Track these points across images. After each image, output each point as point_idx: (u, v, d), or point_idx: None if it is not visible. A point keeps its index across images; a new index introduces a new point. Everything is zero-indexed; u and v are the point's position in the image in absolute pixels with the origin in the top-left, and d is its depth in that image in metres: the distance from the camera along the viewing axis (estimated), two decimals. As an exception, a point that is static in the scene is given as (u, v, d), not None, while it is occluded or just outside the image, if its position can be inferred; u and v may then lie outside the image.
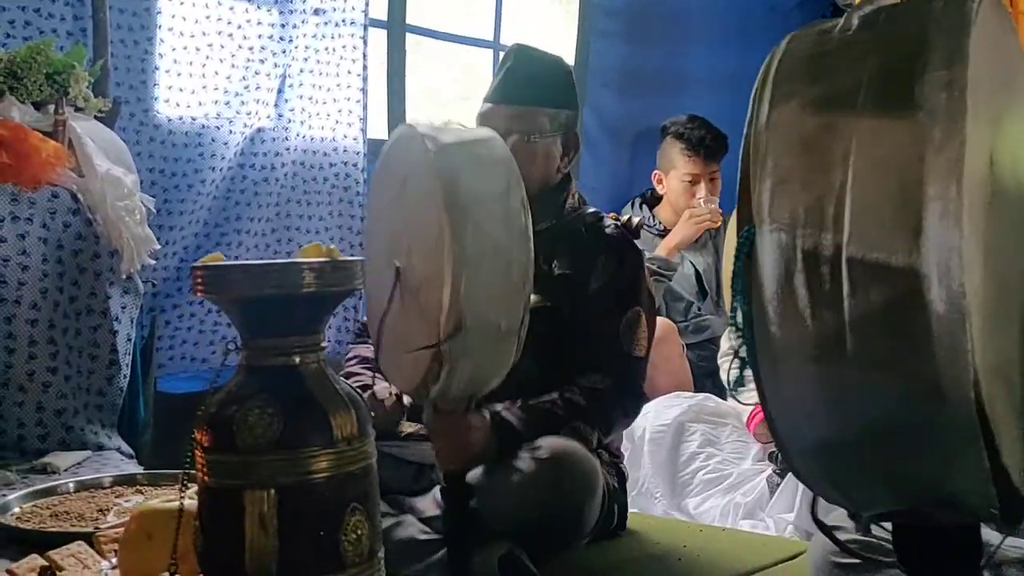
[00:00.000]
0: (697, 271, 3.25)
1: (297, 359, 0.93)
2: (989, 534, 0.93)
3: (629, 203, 3.42)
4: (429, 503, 1.76)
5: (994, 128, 0.79)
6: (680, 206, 3.26)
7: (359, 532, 0.91)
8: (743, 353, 0.84)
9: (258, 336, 0.92)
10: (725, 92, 3.92)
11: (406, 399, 1.78)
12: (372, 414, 1.77)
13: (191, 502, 0.99)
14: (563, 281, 1.84)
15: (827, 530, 0.98)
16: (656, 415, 2.72)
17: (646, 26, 3.81)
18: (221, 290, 0.91)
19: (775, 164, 0.81)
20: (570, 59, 3.72)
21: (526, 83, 1.88)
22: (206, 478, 0.91)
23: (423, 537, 1.69)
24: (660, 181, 3.34)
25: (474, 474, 1.66)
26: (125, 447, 2.01)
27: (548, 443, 1.72)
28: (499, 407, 1.71)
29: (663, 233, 3.25)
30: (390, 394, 1.81)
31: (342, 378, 1.94)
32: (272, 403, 0.90)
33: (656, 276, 3.12)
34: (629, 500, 2.59)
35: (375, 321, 1.59)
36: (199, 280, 0.91)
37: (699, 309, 3.22)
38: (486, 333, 1.39)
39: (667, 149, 3.31)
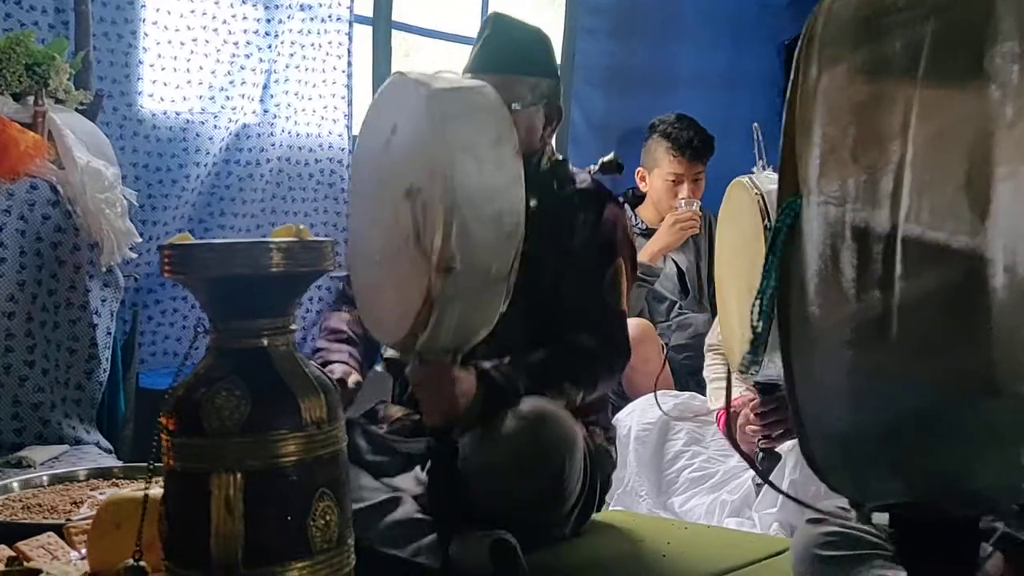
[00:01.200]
0: (680, 269, 3.24)
1: (266, 341, 0.91)
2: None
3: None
4: (410, 481, 1.75)
5: None
6: (662, 205, 3.25)
7: (328, 518, 0.90)
8: (760, 330, 0.80)
9: (226, 318, 0.91)
10: (714, 91, 3.93)
11: (351, 381, 1.74)
12: None
13: (160, 491, 0.97)
14: (543, 240, 1.77)
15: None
16: (642, 413, 2.71)
17: (633, 24, 3.80)
18: (189, 270, 0.90)
19: (824, 132, 0.76)
20: (557, 56, 3.72)
21: (505, 51, 1.85)
22: (172, 462, 0.90)
23: (418, 516, 1.69)
24: (643, 179, 3.33)
25: (463, 439, 1.65)
26: (104, 442, 1.99)
27: (529, 403, 1.72)
28: (486, 364, 1.70)
29: (645, 232, 3.24)
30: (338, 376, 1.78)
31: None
32: (240, 386, 0.88)
33: (639, 282, 3.11)
34: (614, 499, 2.59)
35: (362, 280, 1.59)
36: (167, 259, 0.89)
37: (681, 308, 3.21)
38: (476, 276, 1.38)
39: (652, 147, 3.30)
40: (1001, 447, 0.71)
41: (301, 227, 0.92)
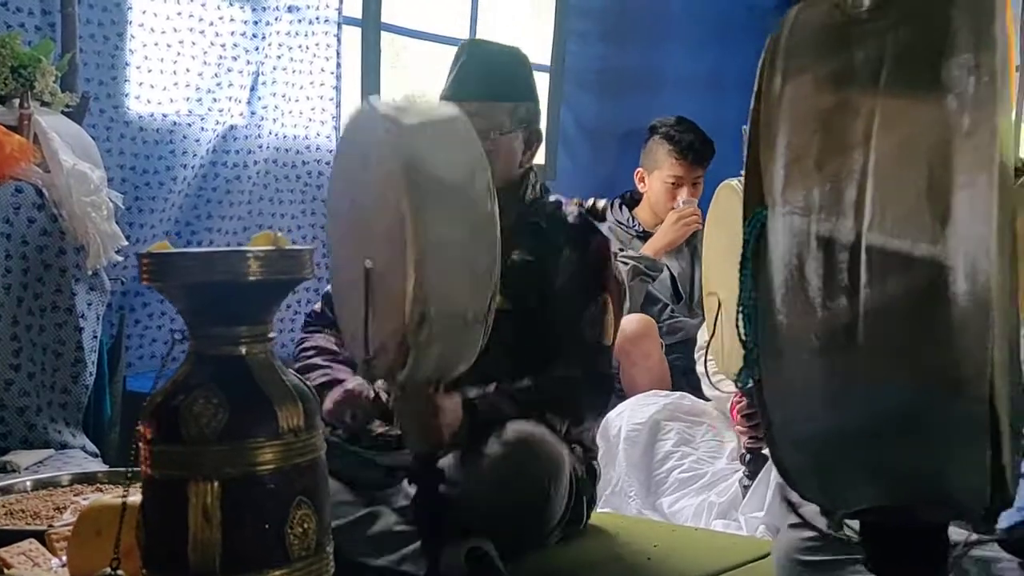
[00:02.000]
0: (672, 275, 3.25)
1: (244, 349, 0.91)
2: (954, 534, 0.92)
3: (608, 204, 3.41)
4: (400, 494, 1.75)
5: (1001, 112, 0.78)
6: (660, 207, 3.25)
7: (306, 525, 0.90)
8: (744, 335, 0.81)
9: (204, 325, 0.91)
10: (703, 93, 3.94)
11: (384, 396, 1.76)
12: (352, 415, 1.78)
13: (139, 497, 0.97)
14: (528, 274, 1.81)
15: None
16: (632, 413, 2.72)
17: (623, 26, 3.81)
18: (167, 278, 0.90)
19: (788, 142, 0.77)
20: (546, 59, 3.72)
21: (481, 78, 1.83)
22: (150, 470, 0.90)
23: (398, 528, 1.69)
24: (642, 179, 3.33)
25: (444, 461, 1.65)
26: (90, 446, 1.99)
27: (515, 427, 1.72)
28: (471, 392, 1.71)
29: (642, 234, 3.25)
30: (367, 391, 1.79)
31: (294, 371, 1.94)
32: (217, 393, 0.88)
33: (642, 276, 3.11)
34: (603, 499, 2.59)
35: (343, 306, 1.57)
36: (145, 267, 0.89)
37: (673, 312, 3.22)
38: (452, 322, 1.36)
39: (654, 149, 3.30)
40: (967, 448, 0.72)
41: (279, 235, 0.93)
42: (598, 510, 2.49)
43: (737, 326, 0.82)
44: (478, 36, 3.44)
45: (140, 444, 0.90)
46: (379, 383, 1.77)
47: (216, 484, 0.87)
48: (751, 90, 3.01)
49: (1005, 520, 1.22)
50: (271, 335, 0.94)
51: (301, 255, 0.93)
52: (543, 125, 3.85)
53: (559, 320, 1.84)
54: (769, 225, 0.77)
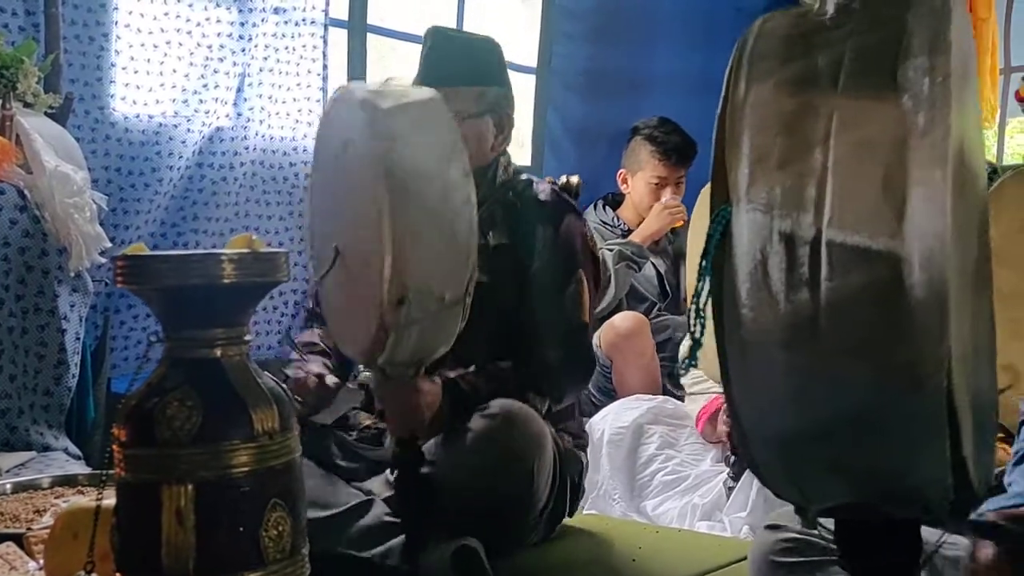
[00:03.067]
0: (659, 272, 3.27)
1: (219, 352, 0.91)
2: (927, 533, 0.93)
3: (592, 205, 3.42)
4: (380, 485, 1.75)
5: (959, 114, 0.79)
6: (643, 208, 3.27)
7: (280, 528, 0.90)
8: (698, 335, 0.83)
9: (179, 328, 0.91)
10: (690, 94, 3.93)
11: (330, 380, 1.76)
12: (298, 401, 1.77)
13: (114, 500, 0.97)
14: (502, 255, 1.82)
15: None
16: (615, 417, 2.73)
17: (610, 27, 3.81)
18: (142, 280, 0.90)
19: (752, 143, 0.79)
20: (533, 60, 3.73)
21: (447, 63, 1.83)
22: (124, 473, 0.90)
23: (387, 519, 1.69)
24: (624, 181, 3.34)
25: (429, 444, 1.65)
26: (72, 448, 1.98)
27: (498, 403, 1.72)
28: (451, 374, 1.71)
29: (626, 233, 3.26)
30: (312, 373, 1.78)
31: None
32: (192, 396, 0.88)
33: (628, 261, 3.13)
34: (589, 502, 2.60)
35: (327, 295, 1.58)
36: (120, 270, 0.89)
37: (660, 310, 3.24)
38: (430, 304, 1.38)
39: (636, 149, 3.31)
40: (929, 441, 0.73)
41: (255, 238, 0.93)
42: (583, 512, 2.51)
43: (688, 317, 0.83)
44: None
45: (115, 447, 0.90)
46: (349, 384, 1.77)
47: (190, 487, 0.87)
48: None
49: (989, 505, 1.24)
50: (247, 337, 0.94)
51: (276, 258, 0.93)
52: (529, 125, 3.87)
53: (537, 299, 1.84)
54: (733, 221, 0.78)
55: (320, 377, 1.76)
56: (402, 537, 1.62)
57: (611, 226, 3.30)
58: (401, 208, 1.32)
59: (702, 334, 0.81)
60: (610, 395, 3.13)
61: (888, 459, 0.76)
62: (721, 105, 0.80)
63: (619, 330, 3.03)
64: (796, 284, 0.75)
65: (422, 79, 1.83)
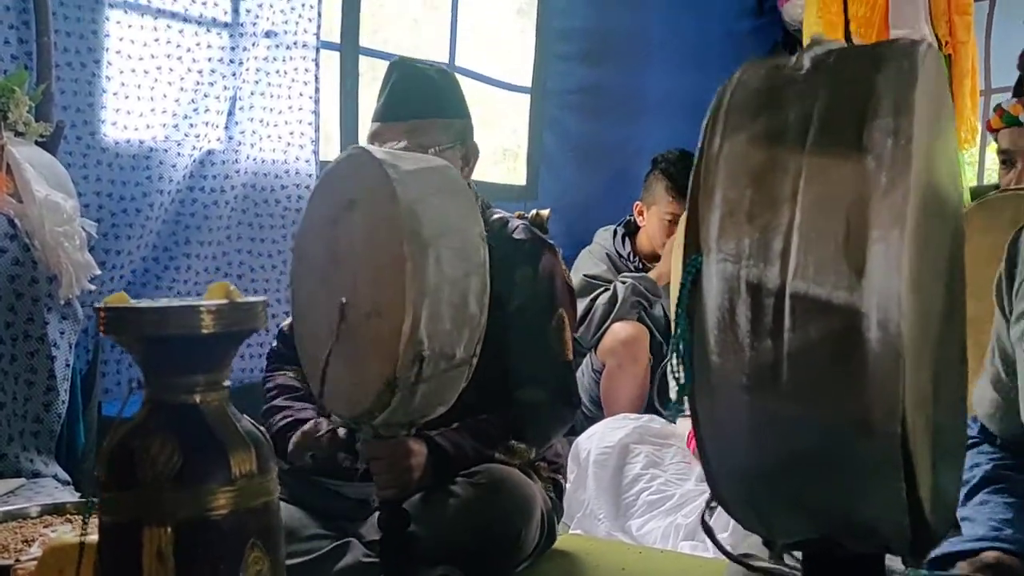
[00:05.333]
0: (666, 315, 3.27)
1: (198, 398, 0.94)
2: (892, 563, 0.96)
3: (611, 232, 3.42)
4: (371, 528, 1.77)
5: (926, 166, 0.82)
6: (657, 241, 3.30)
7: (259, 567, 0.93)
8: (680, 377, 0.85)
9: (160, 375, 0.94)
10: (682, 114, 3.97)
11: (341, 432, 1.78)
12: (311, 453, 1.79)
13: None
14: None
15: (713, 536, 1.00)
16: (601, 437, 2.76)
17: (604, 49, 3.87)
18: (123, 331, 0.93)
19: (723, 196, 0.82)
20: (528, 81, 3.76)
21: (415, 96, 1.83)
22: (105, 514, 0.93)
23: (366, 560, 1.71)
24: (640, 213, 3.37)
25: (412, 501, 1.67)
26: (62, 474, 2.00)
27: (486, 469, 1.74)
28: (433, 432, 1.72)
29: (640, 269, 3.30)
30: (323, 430, 1.80)
31: (267, 409, 1.94)
32: (172, 440, 0.91)
33: (640, 296, 3.15)
34: (575, 521, 2.62)
35: (310, 346, 1.59)
36: (103, 320, 0.92)
37: (666, 351, 3.26)
38: (441, 362, 1.40)
39: (653, 184, 3.34)
40: (882, 483, 0.76)
41: (232, 288, 0.96)
42: (570, 532, 2.54)
43: (671, 362, 0.86)
44: (457, 59, 3.49)
45: (98, 488, 0.93)
46: (334, 417, 1.79)
47: (170, 529, 0.89)
48: None
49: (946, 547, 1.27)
50: (225, 383, 0.97)
51: (254, 307, 0.96)
52: (525, 145, 3.90)
53: (519, 340, 1.84)
54: (704, 270, 0.81)
55: (334, 432, 1.76)
56: None
57: (626, 259, 3.32)
58: (422, 268, 1.34)
59: (687, 379, 0.84)
60: (601, 405, 3.16)
61: (843, 499, 0.79)
62: (697, 156, 0.83)
63: (618, 335, 3.07)
64: (761, 332, 0.77)
65: (391, 112, 1.83)
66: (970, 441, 1.42)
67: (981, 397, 1.39)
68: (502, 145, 3.92)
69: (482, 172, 3.66)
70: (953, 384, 0.97)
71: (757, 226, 0.79)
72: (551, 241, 2.01)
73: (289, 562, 1.63)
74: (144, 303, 0.95)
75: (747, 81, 0.86)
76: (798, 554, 0.98)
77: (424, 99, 1.84)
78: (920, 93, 0.78)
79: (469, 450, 1.76)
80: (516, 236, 1.91)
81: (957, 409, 0.99)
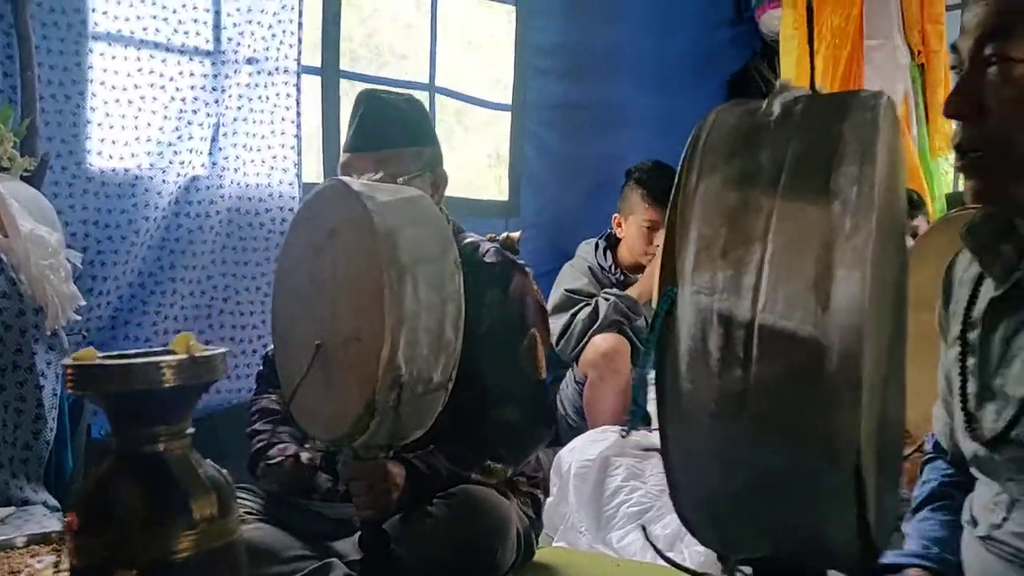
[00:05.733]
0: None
1: (162, 447, 1.00)
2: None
3: (593, 245, 3.48)
4: (352, 548, 1.83)
5: (883, 208, 0.88)
6: (636, 251, 3.34)
7: (222, 605, 0.99)
8: (642, 402, 0.91)
9: (126, 426, 0.99)
10: (660, 127, 4.04)
11: (304, 456, 1.82)
12: (274, 482, 1.83)
13: None
14: None
15: (660, 552, 1.06)
16: (582, 450, 2.81)
17: (582, 64, 3.92)
18: (89, 387, 0.98)
19: (699, 232, 0.86)
20: (508, 98, 3.82)
21: (384, 126, 1.87)
22: (75, 559, 0.98)
23: None
24: (619, 224, 3.42)
25: (391, 521, 1.72)
26: (51, 500, 2.05)
27: (462, 490, 1.79)
28: (410, 455, 1.78)
29: (621, 282, 3.34)
30: (288, 455, 1.85)
31: (248, 432, 1.98)
32: (138, 488, 0.97)
33: (621, 313, 3.19)
34: (558, 534, 2.68)
35: (291, 373, 1.64)
36: (70, 377, 0.98)
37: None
38: (419, 386, 1.45)
39: (628, 194, 3.39)
40: (838, 506, 0.82)
41: (193, 341, 1.01)
42: (553, 544, 2.59)
43: (632, 386, 0.91)
44: (437, 79, 3.54)
45: (67, 535, 0.98)
46: (317, 442, 1.84)
47: (137, 571, 0.95)
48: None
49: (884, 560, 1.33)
50: (188, 431, 1.03)
51: (213, 360, 1.01)
52: (506, 161, 3.95)
53: (493, 362, 1.88)
54: (679, 301, 0.86)
55: (296, 457, 1.81)
56: None
57: (607, 271, 3.37)
58: (400, 296, 1.39)
59: (645, 402, 0.89)
60: (585, 416, 3.21)
61: (801, 523, 0.84)
62: (674, 192, 0.88)
63: (599, 348, 3.12)
64: (730, 361, 0.82)
65: (361, 143, 1.88)
66: (926, 456, 1.48)
67: (935, 416, 1.44)
68: (484, 162, 3.97)
69: (465, 188, 3.73)
70: (896, 410, 1.03)
71: (730, 262, 0.84)
72: (522, 262, 2.06)
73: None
74: (111, 358, 1.01)
75: (722, 123, 0.92)
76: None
77: (392, 129, 1.89)
78: (881, 143, 0.84)
79: (445, 472, 1.81)
80: (487, 259, 1.96)
81: (898, 433, 1.06)
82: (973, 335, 1.22)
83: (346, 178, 1.63)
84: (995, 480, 1.21)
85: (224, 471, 1.06)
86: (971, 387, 1.21)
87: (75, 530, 0.98)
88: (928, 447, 1.48)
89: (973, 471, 1.25)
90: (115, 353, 1.07)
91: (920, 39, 3.57)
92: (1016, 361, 1.13)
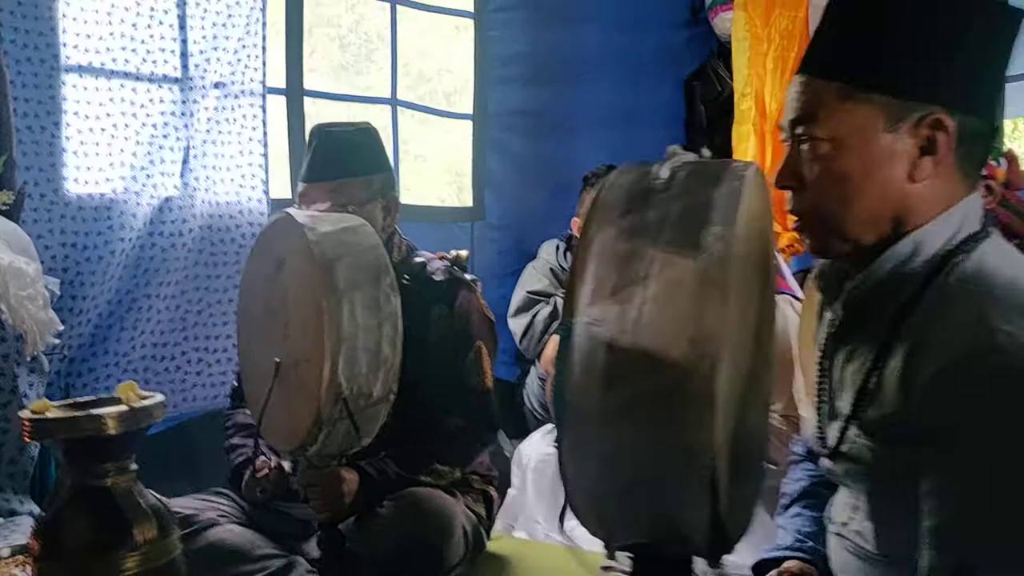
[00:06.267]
0: None
1: (109, 481, 1.18)
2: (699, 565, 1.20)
3: (554, 246, 3.63)
4: (314, 547, 2.01)
5: (745, 256, 1.04)
6: None
7: (164, 614, 1.17)
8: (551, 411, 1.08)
9: (78, 465, 1.18)
10: (620, 128, 4.18)
11: (286, 465, 2.00)
12: (260, 489, 2.02)
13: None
14: (404, 336, 2.03)
15: (567, 538, 1.23)
16: (540, 444, 2.99)
17: (542, 69, 4.04)
18: (43, 435, 1.17)
19: (594, 275, 1.03)
20: (469, 107, 3.96)
21: (335, 158, 2.03)
22: (38, 579, 1.17)
23: (310, 575, 1.95)
24: (579, 229, 3.56)
25: (347, 522, 1.90)
26: (36, 510, 2.23)
27: (410, 492, 1.97)
28: (362, 462, 1.96)
29: None
30: (272, 467, 2.04)
31: (226, 447, 2.15)
32: (88, 518, 1.15)
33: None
34: (518, 523, 2.86)
35: (253, 389, 1.81)
36: (26, 428, 1.16)
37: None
38: (360, 401, 1.62)
39: (585, 199, 3.53)
40: (695, 503, 0.99)
41: (134, 391, 1.19)
42: (513, 534, 2.78)
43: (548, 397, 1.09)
44: (399, 93, 3.69)
45: (30, 560, 1.16)
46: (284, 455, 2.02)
47: (88, 589, 1.14)
48: (664, 122, 3.42)
49: (765, 554, 1.52)
50: (132, 467, 1.21)
51: (151, 408, 1.19)
52: (469, 169, 4.09)
53: (439, 374, 2.05)
54: (575, 330, 1.04)
55: (280, 468, 1.99)
56: None
57: (568, 272, 3.51)
58: (338, 320, 1.56)
59: (566, 412, 1.06)
60: (549, 410, 3.38)
61: (667, 515, 1.03)
62: (578, 240, 1.05)
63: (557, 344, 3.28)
64: (613, 381, 0.99)
65: (314, 175, 2.04)
66: (797, 458, 1.66)
67: (807, 420, 1.62)
68: (448, 169, 4.12)
69: (430, 196, 3.89)
70: (759, 420, 1.21)
71: (618, 299, 1.02)
72: (471, 277, 2.22)
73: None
74: (65, 407, 1.19)
75: (618, 185, 1.10)
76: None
77: (344, 160, 2.05)
78: (743, 207, 1.01)
79: (395, 476, 1.99)
80: (435, 278, 2.12)
81: (760, 439, 1.24)
82: (825, 362, 1.40)
83: (293, 210, 1.79)
84: (842, 485, 1.39)
85: (164, 499, 1.24)
86: (823, 407, 1.39)
87: (36, 555, 1.17)
88: (797, 449, 1.66)
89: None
90: (69, 401, 1.25)
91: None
92: (847, 385, 1.30)
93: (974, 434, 1.07)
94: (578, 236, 3.70)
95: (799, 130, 1.21)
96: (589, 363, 1.02)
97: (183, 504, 2.04)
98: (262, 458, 2.05)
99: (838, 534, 1.40)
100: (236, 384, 2.24)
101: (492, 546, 2.33)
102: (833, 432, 1.34)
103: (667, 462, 0.99)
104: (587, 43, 4.15)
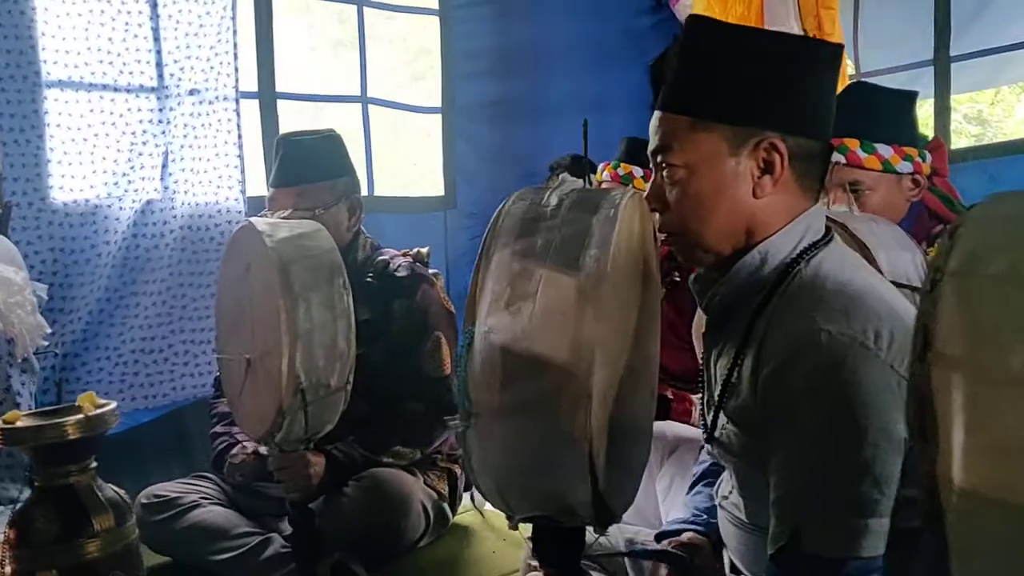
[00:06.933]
0: None
1: (72, 480, 1.38)
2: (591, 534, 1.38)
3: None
4: (286, 523, 2.22)
5: (623, 272, 1.22)
6: None
7: (122, 590, 1.38)
8: (466, 406, 1.26)
9: (44, 466, 1.38)
10: (588, 114, 4.28)
11: (263, 450, 2.20)
12: (239, 475, 2.22)
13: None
14: (368, 328, 2.16)
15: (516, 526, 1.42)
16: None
17: (508, 61, 4.17)
18: (14, 442, 1.36)
19: (492, 289, 1.20)
20: (437, 101, 4.10)
21: (299, 164, 2.17)
22: (13, 566, 1.37)
23: (283, 551, 2.15)
24: None
25: (317, 501, 2.09)
26: (33, 498, 2.45)
27: (371, 473, 2.16)
28: (329, 446, 2.14)
29: None
30: (248, 453, 2.23)
31: (211, 434, 2.34)
32: (53, 512, 1.35)
33: None
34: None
35: (228, 382, 1.99)
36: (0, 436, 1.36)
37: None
38: (318, 391, 1.79)
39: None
40: (578, 480, 1.18)
41: (94, 400, 1.39)
42: (487, 507, 2.97)
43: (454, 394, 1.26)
44: (369, 91, 3.84)
45: (5, 548, 1.37)
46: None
47: (55, 571, 1.34)
48: (631, 107, 3.57)
49: (667, 527, 1.71)
50: (92, 466, 1.41)
51: (105, 416, 1.39)
52: (440, 160, 4.24)
53: (399, 363, 2.22)
54: (475, 336, 1.21)
55: (256, 452, 2.17)
56: (294, 565, 2.06)
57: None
58: (294, 317, 1.72)
59: (469, 406, 1.25)
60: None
61: (556, 491, 1.22)
62: (478, 260, 1.21)
63: None
64: (506, 378, 1.18)
65: (280, 181, 2.20)
66: (704, 444, 1.85)
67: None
68: (420, 161, 4.26)
69: (403, 187, 4.04)
70: (644, 411, 1.40)
71: (511, 311, 1.20)
72: (434, 271, 2.39)
73: (223, 556, 2.10)
74: (34, 415, 1.39)
75: (513, 211, 1.27)
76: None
77: (309, 166, 2.20)
78: (618, 231, 1.19)
79: (360, 458, 2.17)
80: (397, 274, 2.28)
81: (641, 425, 1.42)
82: (706, 356, 1.58)
83: (255, 219, 1.97)
84: (724, 465, 1.58)
85: (122, 491, 1.44)
86: (704, 397, 1.57)
87: (11, 543, 1.37)
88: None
89: None
90: (38, 410, 1.45)
91: (816, 23, 3.83)
92: (717, 379, 1.49)
93: (796, 421, 1.24)
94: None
95: (659, 159, 1.38)
96: (488, 365, 1.20)
97: (169, 488, 2.25)
98: (239, 445, 2.24)
99: (721, 507, 1.59)
100: (218, 375, 2.42)
101: (461, 518, 2.51)
102: (710, 419, 1.52)
103: (554, 448, 1.18)
104: (552, 32, 4.26)
